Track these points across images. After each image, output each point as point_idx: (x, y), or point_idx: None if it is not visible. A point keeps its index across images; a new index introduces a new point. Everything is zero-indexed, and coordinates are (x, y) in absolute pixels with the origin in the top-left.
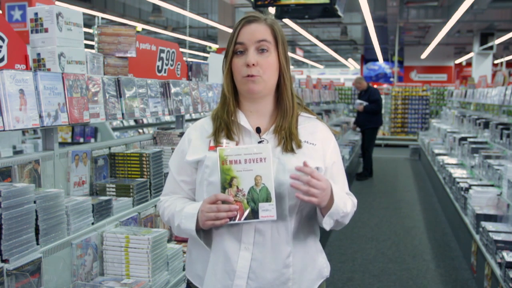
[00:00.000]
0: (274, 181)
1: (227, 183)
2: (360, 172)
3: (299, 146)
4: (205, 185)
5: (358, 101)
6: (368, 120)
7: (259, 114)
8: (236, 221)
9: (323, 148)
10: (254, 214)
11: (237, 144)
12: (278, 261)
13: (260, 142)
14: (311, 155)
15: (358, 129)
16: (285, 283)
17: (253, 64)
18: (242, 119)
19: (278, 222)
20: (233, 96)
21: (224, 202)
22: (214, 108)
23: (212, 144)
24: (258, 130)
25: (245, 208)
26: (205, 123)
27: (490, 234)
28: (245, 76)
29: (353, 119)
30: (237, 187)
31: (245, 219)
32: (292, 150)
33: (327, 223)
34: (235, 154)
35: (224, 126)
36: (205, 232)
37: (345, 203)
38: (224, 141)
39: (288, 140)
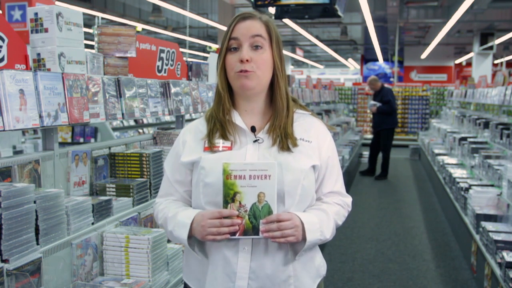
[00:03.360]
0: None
1: (230, 197)
2: (378, 174)
3: (294, 144)
4: (201, 187)
5: (371, 102)
6: (382, 121)
7: (253, 112)
8: (236, 236)
9: (318, 145)
10: (254, 230)
11: (232, 144)
12: (278, 260)
13: (255, 141)
14: (307, 153)
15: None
16: (286, 281)
17: (247, 60)
18: (236, 118)
19: None
20: (227, 93)
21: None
22: (208, 109)
23: (206, 145)
24: (253, 129)
25: (246, 224)
26: (199, 124)
27: (490, 234)
28: (238, 72)
29: (353, 119)
30: (240, 203)
31: (245, 234)
32: (288, 149)
33: (302, 255)
34: (240, 170)
35: (219, 126)
36: (199, 240)
37: (322, 231)
38: (220, 141)
39: (284, 139)
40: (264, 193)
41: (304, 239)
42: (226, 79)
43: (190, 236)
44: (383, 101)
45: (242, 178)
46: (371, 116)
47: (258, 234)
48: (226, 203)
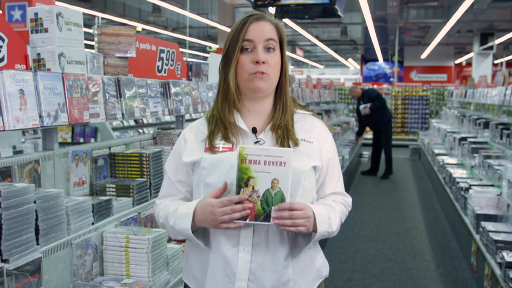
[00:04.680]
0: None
1: (243, 182)
2: (383, 173)
3: (296, 144)
4: (202, 187)
5: (362, 106)
6: (379, 117)
7: (257, 113)
8: (248, 221)
9: (319, 145)
10: (266, 217)
11: (233, 146)
12: (278, 262)
13: (256, 142)
14: (308, 153)
15: (361, 138)
16: (285, 284)
17: (263, 62)
18: (238, 119)
19: None
20: (237, 94)
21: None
22: (209, 109)
23: (207, 146)
24: (254, 131)
25: (258, 209)
26: (201, 124)
27: (490, 234)
28: (253, 73)
29: (353, 119)
30: (253, 188)
31: (256, 220)
32: None
33: (311, 247)
34: (255, 154)
35: (222, 128)
36: (201, 232)
37: (330, 224)
38: (220, 143)
39: (285, 138)
40: (278, 179)
41: (314, 230)
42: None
43: (194, 229)
44: (371, 99)
45: (257, 163)
46: (360, 124)
47: (269, 221)
48: (239, 187)
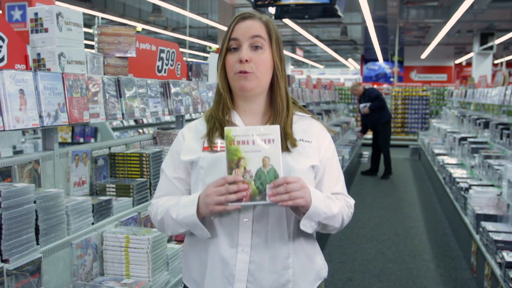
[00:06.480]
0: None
1: (234, 163)
2: (383, 174)
3: (294, 145)
4: (200, 186)
5: (362, 105)
6: (378, 118)
7: (253, 113)
8: (243, 202)
9: (318, 145)
10: (261, 195)
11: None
12: (277, 263)
13: None
14: (307, 153)
15: (364, 135)
16: (284, 285)
17: (246, 60)
18: (236, 118)
19: (276, 223)
20: (228, 94)
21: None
22: (208, 109)
23: (206, 144)
24: None
25: (253, 189)
26: (199, 124)
27: (490, 234)
28: (238, 72)
29: (353, 119)
30: (245, 168)
31: (252, 200)
32: (287, 149)
33: (307, 226)
34: (243, 135)
35: (219, 126)
36: (203, 221)
37: (327, 205)
38: (218, 141)
39: (283, 139)
40: (269, 157)
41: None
42: (226, 80)
43: (199, 217)
44: (371, 98)
45: (246, 143)
46: (362, 122)
47: (265, 199)
48: (230, 170)
